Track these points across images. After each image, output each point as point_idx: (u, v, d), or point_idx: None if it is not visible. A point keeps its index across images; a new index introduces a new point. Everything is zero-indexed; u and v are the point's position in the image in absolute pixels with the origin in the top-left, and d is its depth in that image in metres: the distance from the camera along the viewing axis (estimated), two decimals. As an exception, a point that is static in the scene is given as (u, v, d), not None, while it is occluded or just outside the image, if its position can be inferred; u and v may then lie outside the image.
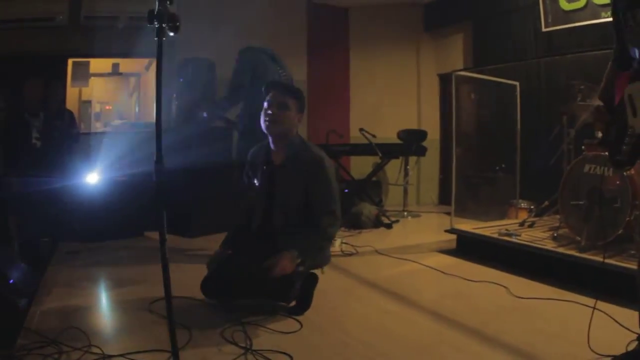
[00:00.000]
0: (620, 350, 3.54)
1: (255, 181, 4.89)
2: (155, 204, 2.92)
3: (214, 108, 7.69)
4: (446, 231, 7.36)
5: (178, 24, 2.94)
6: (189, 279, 4.97)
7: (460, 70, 10.27)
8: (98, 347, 3.60)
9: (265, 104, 4.64)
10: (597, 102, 3.59)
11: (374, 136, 10.02)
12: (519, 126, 8.77)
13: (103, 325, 4.39)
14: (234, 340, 3.88)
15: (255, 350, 3.67)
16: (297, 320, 4.39)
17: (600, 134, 6.35)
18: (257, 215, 4.84)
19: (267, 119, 4.57)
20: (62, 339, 3.71)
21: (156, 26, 2.90)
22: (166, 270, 2.83)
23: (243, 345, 3.79)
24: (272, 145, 4.76)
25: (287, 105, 4.60)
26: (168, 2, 2.91)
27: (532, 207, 8.31)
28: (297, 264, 4.38)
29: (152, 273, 4.54)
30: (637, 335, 3.46)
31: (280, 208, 4.71)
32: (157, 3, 2.88)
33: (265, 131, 4.66)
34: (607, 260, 5.21)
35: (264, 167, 4.78)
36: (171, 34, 2.95)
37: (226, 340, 3.91)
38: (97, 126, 11.54)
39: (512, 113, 8.86)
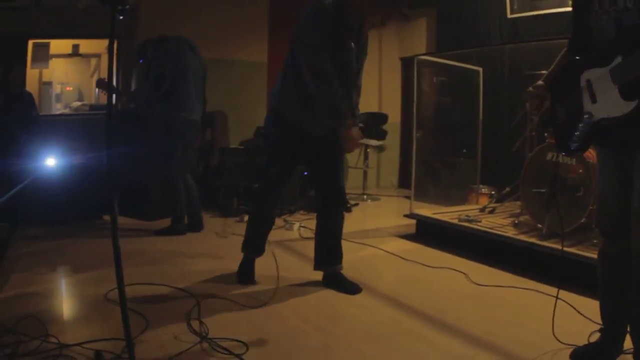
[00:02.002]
0: (582, 340, 3.51)
1: None
2: (106, 189, 2.80)
3: (136, 96, 7.71)
4: (405, 216, 7.30)
5: (128, 7, 2.81)
6: (147, 264, 4.87)
7: (423, 54, 10.21)
8: (54, 337, 3.48)
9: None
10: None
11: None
12: (481, 111, 8.72)
13: (61, 313, 4.25)
14: (192, 329, 3.79)
15: (211, 339, 3.58)
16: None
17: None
18: None
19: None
20: (19, 327, 3.59)
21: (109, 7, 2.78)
22: (118, 260, 2.69)
23: (200, 333, 3.71)
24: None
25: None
26: None
27: (493, 192, 8.30)
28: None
29: (112, 258, 4.49)
30: (599, 326, 3.41)
31: None
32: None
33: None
34: (568, 249, 5.22)
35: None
36: (120, 17, 2.82)
37: (184, 328, 3.82)
38: (58, 107, 11.38)
39: (475, 98, 8.81)
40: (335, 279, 4.92)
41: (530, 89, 3.59)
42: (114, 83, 10.27)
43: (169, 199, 7.15)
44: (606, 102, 2.95)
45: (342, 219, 5.01)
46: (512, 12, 9.61)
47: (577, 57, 3.23)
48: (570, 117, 3.18)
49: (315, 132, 4.64)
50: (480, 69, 8.87)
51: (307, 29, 4.41)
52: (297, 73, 4.51)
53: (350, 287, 4.83)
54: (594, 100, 3.02)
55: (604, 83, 2.95)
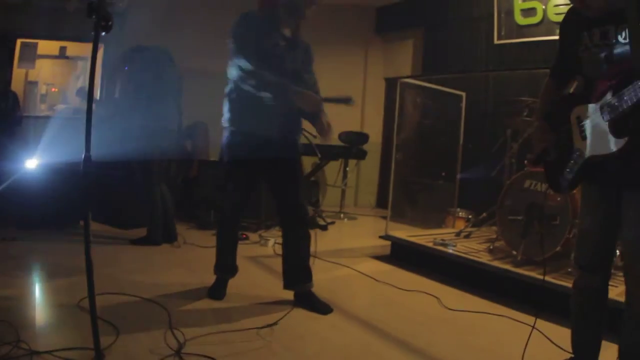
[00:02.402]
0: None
1: None
2: (81, 197, 2.81)
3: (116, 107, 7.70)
4: (381, 237, 7.26)
5: (110, 23, 2.82)
6: (121, 274, 4.84)
7: (407, 77, 10.23)
8: (26, 343, 3.46)
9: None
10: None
11: (314, 136, 9.88)
12: (462, 136, 8.74)
13: (33, 319, 4.22)
14: (165, 342, 3.77)
15: (184, 353, 3.56)
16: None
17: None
18: None
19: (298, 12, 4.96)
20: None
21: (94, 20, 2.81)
22: (90, 270, 2.66)
23: (171, 347, 3.69)
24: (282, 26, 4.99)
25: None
26: None
27: (470, 216, 8.32)
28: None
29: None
30: (570, 355, 3.40)
31: None
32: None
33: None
34: (541, 276, 5.19)
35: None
36: (102, 33, 2.84)
37: (155, 340, 3.81)
38: (42, 108, 11.30)
39: (457, 122, 8.83)
40: (306, 298, 4.89)
41: (532, 131, 3.59)
42: (98, 90, 10.25)
43: (145, 208, 7.10)
44: (596, 139, 2.94)
45: (307, 236, 4.98)
46: (499, 38, 9.65)
47: (567, 94, 3.23)
48: (561, 153, 3.18)
49: (274, 131, 4.69)
50: (464, 94, 8.90)
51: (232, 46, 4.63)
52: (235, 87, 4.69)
53: (321, 307, 4.80)
54: (583, 137, 3.01)
55: (594, 120, 2.94)
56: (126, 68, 7.46)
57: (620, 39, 2.82)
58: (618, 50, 2.83)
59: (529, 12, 9.16)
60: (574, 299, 3.34)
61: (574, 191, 5.60)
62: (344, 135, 10.63)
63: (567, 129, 3.13)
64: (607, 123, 2.84)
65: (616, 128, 2.80)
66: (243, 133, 4.67)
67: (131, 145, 6.83)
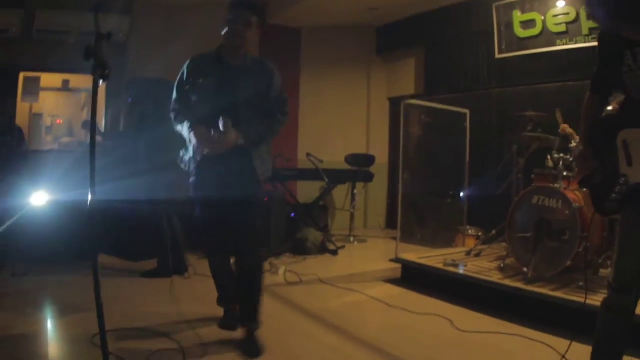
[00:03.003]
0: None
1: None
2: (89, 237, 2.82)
3: (120, 138, 7.90)
4: (391, 260, 7.22)
5: (107, 71, 2.83)
6: (132, 308, 4.85)
7: (410, 98, 10.26)
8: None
9: (231, 18, 4.61)
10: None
11: (321, 161, 9.91)
12: (468, 153, 8.73)
13: (47, 356, 4.20)
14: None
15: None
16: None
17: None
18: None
19: (233, 33, 4.57)
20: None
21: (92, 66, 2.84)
22: (100, 310, 2.66)
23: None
24: (225, 56, 4.70)
25: (252, 23, 4.62)
26: (106, 39, 2.84)
27: (480, 234, 8.27)
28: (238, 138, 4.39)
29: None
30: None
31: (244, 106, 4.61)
32: (95, 40, 2.83)
33: (227, 40, 4.63)
34: (553, 293, 5.21)
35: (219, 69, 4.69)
36: (100, 82, 2.86)
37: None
38: (48, 140, 11.35)
39: (462, 140, 8.82)
40: (245, 337, 4.59)
41: (576, 155, 3.51)
42: (102, 122, 10.28)
43: (154, 240, 7.09)
44: None
45: (258, 270, 4.65)
46: (500, 52, 9.64)
47: (612, 114, 3.17)
48: (606, 177, 3.11)
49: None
50: (468, 111, 8.89)
51: None
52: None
53: (248, 348, 4.45)
54: (629, 162, 2.94)
55: None
56: (129, 100, 7.49)
57: None
58: None
59: (528, 24, 9.15)
60: (602, 317, 3.24)
61: (582, 204, 5.64)
62: (351, 158, 10.63)
63: (613, 153, 3.05)
64: None
65: None
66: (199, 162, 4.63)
67: (138, 179, 6.83)
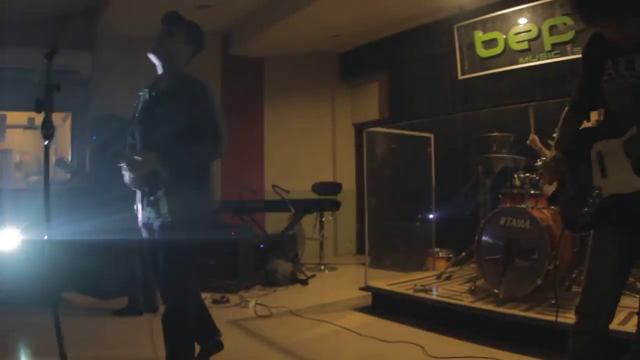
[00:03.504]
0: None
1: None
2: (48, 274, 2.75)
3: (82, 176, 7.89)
4: (361, 289, 7.14)
5: (51, 131, 2.76)
6: (103, 349, 4.98)
7: (372, 126, 10.26)
8: None
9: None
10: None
11: (287, 192, 9.86)
12: (433, 176, 8.72)
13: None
14: None
15: None
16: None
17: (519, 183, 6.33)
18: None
19: (153, 43, 4.29)
20: None
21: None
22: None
23: None
24: (155, 82, 4.41)
25: (174, 32, 4.35)
26: (56, 89, 2.77)
27: (450, 255, 8.25)
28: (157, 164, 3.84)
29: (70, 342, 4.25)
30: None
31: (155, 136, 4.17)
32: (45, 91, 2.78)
33: (149, 53, 4.32)
34: (525, 313, 5.23)
35: (146, 95, 4.37)
36: (45, 142, 2.80)
37: None
38: (18, 176, 11.29)
39: (427, 164, 8.81)
40: None
41: (546, 160, 3.35)
42: (69, 157, 10.19)
43: (124, 278, 6.98)
44: (618, 177, 2.81)
45: (174, 327, 3.99)
46: (462, 73, 9.69)
47: (588, 127, 3.11)
48: (579, 191, 3.03)
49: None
50: (431, 135, 8.89)
51: None
52: None
53: None
54: (604, 174, 2.88)
55: (616, 156, 2.81)
56: (94, 138, 7.42)
57: None
58: None
59: (490, 43, 9.21)
60: (574, 344, 3.10)
61: (551, 222, 5.62)
62: (317, 187, 10.62)
63: (587, 165, 2.98)
64: (630, 161, 2.72)
65: None
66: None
67: (109, 216, 6.73)
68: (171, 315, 3.96)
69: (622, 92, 2.81)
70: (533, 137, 6.48)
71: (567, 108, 3.29)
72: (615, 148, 2.80)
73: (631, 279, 5.46)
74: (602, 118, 3.10)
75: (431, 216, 8.95)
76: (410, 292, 6.56)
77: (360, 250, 12.04)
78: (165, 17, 4.42)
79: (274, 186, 9.92)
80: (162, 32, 4.33)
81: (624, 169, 2.74)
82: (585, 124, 3.28)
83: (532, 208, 5.97)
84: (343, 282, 9.14)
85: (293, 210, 9.70)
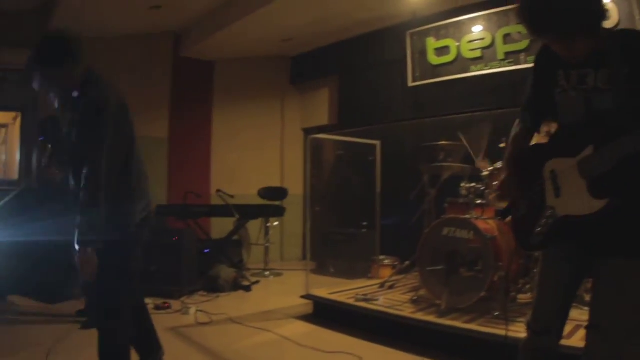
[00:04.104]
0: None
1: None
2: None
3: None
4: (302, 297, 7.05)
5: None
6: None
7: (324, 129, 10.24)
8: None
9: None
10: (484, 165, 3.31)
11: (231, 197, 9.77)
12: (378, 183, 8.69)
13: None
14: None
15: None
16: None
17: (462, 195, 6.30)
18: None
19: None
20: None
21: None
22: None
23: None
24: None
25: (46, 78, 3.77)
26: None
27: (395, 263, 8.22)
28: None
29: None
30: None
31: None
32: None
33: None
34: (466, 325, 5.25)
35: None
36: None
37: None
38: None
39: (374, 171, 8.77)
40: None
41: (499, 183, 3.31)
42: (17, 158, 10.04)
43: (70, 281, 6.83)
44: (572, 198, 2.73)
45: (104, 343, 3.74)
46: (413, 80, 9.68)
47: (541, 143, 3.03)
48: (531, 209, 2.95)
49: None
50: (378, 142, 8.86)
51: None
52: None
53: None
54: (557, 194, 2.80)
55: (571, 176, 2.72)
56: (41, 138, 7.27)
57: (599, 83, 2.64)
58: (598, 98, 2.65)
59: (442, 50, 9.24)
60: (523, 359, 3.10)
61: (496, 234, 5.60)
62: (263, 192, 10.53)
63: (540, 184, 2.91)
64: (585, 182, 2.65)
65: (595, 188, 2.62)
66: None
67: (58, 218, 6.57)
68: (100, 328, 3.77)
69: (575, 105, 2.75)
70: (480, 164, 6.50)
71: (516, 121, 3.24)
72: (569, 167, 2.73)
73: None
74: (553, 131, 3.03)
75: (376, 224, 8.91)
76: (352, 301, 6.50)
77: (305, 256, 11.98)
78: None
79: (218, 191, 9.84)
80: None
81: (579, 190, 2.67)
82: (537, 137, 3.22)
83: (477, 219, 5.94)
84: (287, 289, 9.04)
85: (237, 216, 9.60)
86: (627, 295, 2.61)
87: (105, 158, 3.50)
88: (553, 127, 3.04)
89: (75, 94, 3.72)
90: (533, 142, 3.17)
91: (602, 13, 2.55)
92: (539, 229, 2.88)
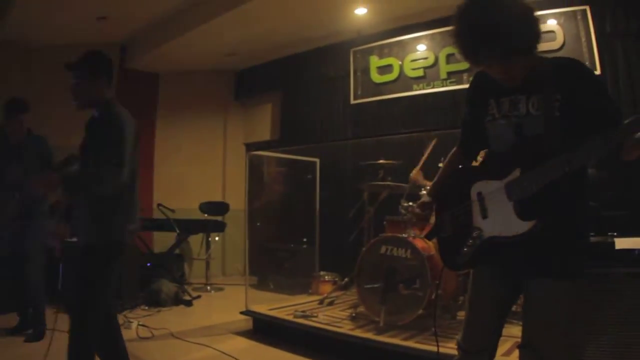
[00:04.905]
0: None
1: None
2: None
3: None
4: (241, 313, 7.08)
5: None
6: None
7: (266, 144, 10.29)
8: None
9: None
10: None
11: (172, 211, 9.77)
12: (317, 200, 8.78)
13: None
14: None
15: None
16: None
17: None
18: None
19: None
20: None
21: None
22: None
23: None
24: None
25: (79, 76, 4.19)
26: None
27: (336, 279, 8.27)
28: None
29: None
30: None
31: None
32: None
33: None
34: (404, 342, 5.32)
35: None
36: None
37: None
38: None
39: (313, 187, 8.84)
40: None
41: (417, 209, 3.33)
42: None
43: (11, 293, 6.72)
44: (499, 219, 2.76)
45: (75, 347, 3.77)
46: (355, 98, 9.80)
47: (468, 166, 3.10)
48: (457, 230, 2.98)
49: None
50: (317, 160, 8.93)
51: None
52: None
53: None
54: (484, 215, 2.83)
55: (498, 198, 2.75)
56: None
57: (532, 109, 2.69)
58: (529, 123, 2.70)
59: (385, 69, 9.36)
60: None
61: (433, 252, 5.69)
62: (204, 206, 10.56)
63: (467, 204, 2.94)
64: (512, 204, 2.69)
65: (522, 210, 2.66)
66: None
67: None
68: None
69: (504, 133, 2.81)
70: (414, 173, 6.60)
71: (454, 149, 3.30)
72: (496, 189, 2.78)
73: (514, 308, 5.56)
74: (482, 157, 3.12)
75: (316, 239, 8.96)
76: (291, 317, 6.54)
77: (250, 270, 11.98)
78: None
79: (159, 205, 9.82)
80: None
81: (506, 212, 2.71)
82: (474, 164, 3.30)
83: (415, 237, 6.03)
84: (227, 304, 9.02)
85: (177, 230, 9.59)
86: (556, 315, 2.67)
87: (126, 168, 3.90)
88: (483, 155, 3.14)
89: (95, 113, 4.17)
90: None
91: (538, 34, 2.63)
92: (465, 249, 2.91)
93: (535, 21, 2.62)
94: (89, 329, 3.81)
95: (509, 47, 2.55)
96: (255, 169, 7.99)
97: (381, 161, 7.25)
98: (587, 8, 7.32)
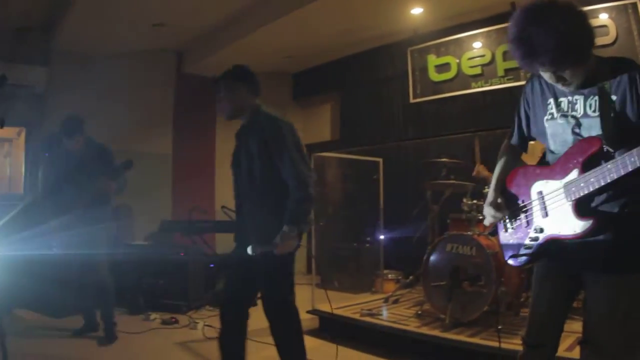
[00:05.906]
0: None
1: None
2: None
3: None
4: (308, 312, 7.13)
5: None
6: None
7: (327, 145, 10.35)
8: None
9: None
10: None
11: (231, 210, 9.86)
12: (381, 200, 8.76)
13: None
14: None
15: None
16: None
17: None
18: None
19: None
20: None
21: None
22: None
23: None
24: None
25: (221, 91, 4.69)
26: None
27: (399, 277, 8.29)
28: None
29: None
30: None
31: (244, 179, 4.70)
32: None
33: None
34: (470, 339, 5.31)
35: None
36: None
37: None
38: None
39: (376, 187, 8.85)
40: None
41: (495, 213, 3.20)
42: (22, 174, 10.09)
43: (77, 295, 6.87)
44: (558, 219, 2.79)
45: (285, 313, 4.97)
46: (414, 97, 9.80)
47: (530, 165, 3.09)
48: (519, 228, 3.04)
49: None
50: (380, 160, 8.93)
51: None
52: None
53: None
54: (545, 214, 2.87)
55: (558, 198, 2.80)
56: (46, 155, 7.34)
57: (589, 111, 2.72)
58: (586, 124, 2.73)
59: (443, 67, 9.36)
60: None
61: (497, 249, 5.68)
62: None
63: (528, 204, 2.98)
64: (571, 204, 2.72)
65: (580, 210, 2.69)
66: None
67: (66, 232, 6.62)
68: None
69: (562, 132, 2.84)
70: (478, 169, 6.58)
71: (505, 142, 3.33)
72: (555, 189, 2.81)
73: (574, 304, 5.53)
74: (543, 158, 3.13)
75: (380, 237, 8.97)
76: (357, 316, 6.59)
77: (311, 269, 12.02)
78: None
79: (222, 207, 9.90)
80: (218, 99, 4.77)
81: (565, 212, 2.74)
82: (524, 156, 3.32)
83: (479, 235, 6.04)
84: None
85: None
86: (617, 310, 2.69)
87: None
88: (542, 152, 3.15)
89: (244, 120, 4.84)
90: (522, 161, 3.29)
91: (593, 40, 2.63)
92: (526, 247, 2.96)
93: (592, 29, 2.63)
94: (293, 309, 4.91)
95: (570, 62, 2.60)
96: (319, 169, 8.02)
97: (444, 159, 7.26)
98: (638, 1, 7.23)
